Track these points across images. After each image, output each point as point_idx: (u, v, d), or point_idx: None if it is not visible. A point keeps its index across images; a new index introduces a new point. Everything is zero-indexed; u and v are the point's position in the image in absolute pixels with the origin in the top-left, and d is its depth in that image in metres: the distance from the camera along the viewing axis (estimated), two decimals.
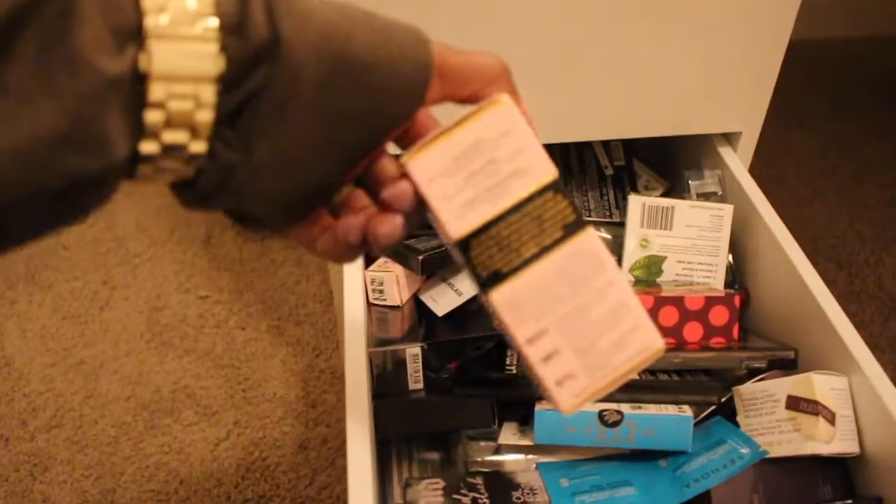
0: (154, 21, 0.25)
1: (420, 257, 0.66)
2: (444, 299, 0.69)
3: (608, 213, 0.84)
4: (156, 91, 0.26)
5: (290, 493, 0.96)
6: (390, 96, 0.31)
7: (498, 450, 0.61)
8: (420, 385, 0.63)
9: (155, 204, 1.39)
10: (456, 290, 0.69)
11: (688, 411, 0.59)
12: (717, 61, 0.74)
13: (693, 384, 0.61)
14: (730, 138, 0.82)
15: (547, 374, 0.32)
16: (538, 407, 0.59)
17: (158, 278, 1.25)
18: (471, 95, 0.35)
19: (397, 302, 0.69)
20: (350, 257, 0.36)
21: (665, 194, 0.89)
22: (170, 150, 0.27)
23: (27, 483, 0.98)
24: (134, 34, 0.25)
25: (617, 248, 0.75)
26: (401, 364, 0.62)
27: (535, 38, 0.70)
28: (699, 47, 0.73)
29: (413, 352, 0.62)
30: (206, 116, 0.27)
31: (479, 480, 0.58)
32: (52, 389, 1.09)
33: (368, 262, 0.72)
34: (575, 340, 0.32)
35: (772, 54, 0.75)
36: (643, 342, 0.32)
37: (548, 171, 0.32)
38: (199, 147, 0.28)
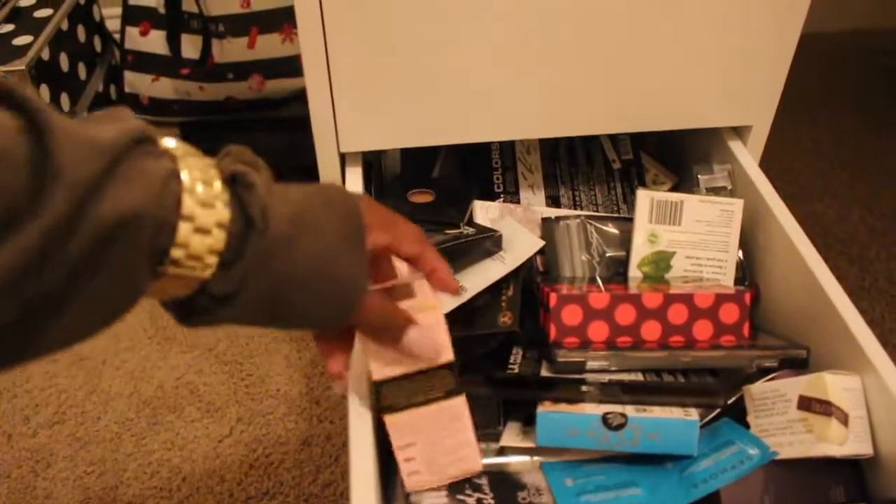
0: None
1: None
2: (448, 296, 0.68)
3: (615, 208, 0.83)
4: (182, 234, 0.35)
5: (293, 490, 0.95)
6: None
7: (501, 451, 0.60)
8: None
9: None
10: (460, 287, 0.68)
11: (694, 414, 0.57)
12: (727, 53, 0.73)
13: (697, 386, 0.60)
14: (740, 132, 0.80)
15: (404, 469, 0.52)
16: (540, 409, 0.57)
17: None
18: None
19: None
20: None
21: (674, 189, 0.87)
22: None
23: (29, 479, 0.98)
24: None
25: (625, 243, 0.74)
26: None
27: (542, 29, 0.69)
28: (709, 39, 0.71)
29: None
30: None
31: (483, 481, 0.57)
32: (55, 385, 1.09)
33: None
34: (428, 455, 0.52)
35: (783, 47, 0.73)
36: (468, 466, 0.54)
37: (446, 356, 0.51)
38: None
